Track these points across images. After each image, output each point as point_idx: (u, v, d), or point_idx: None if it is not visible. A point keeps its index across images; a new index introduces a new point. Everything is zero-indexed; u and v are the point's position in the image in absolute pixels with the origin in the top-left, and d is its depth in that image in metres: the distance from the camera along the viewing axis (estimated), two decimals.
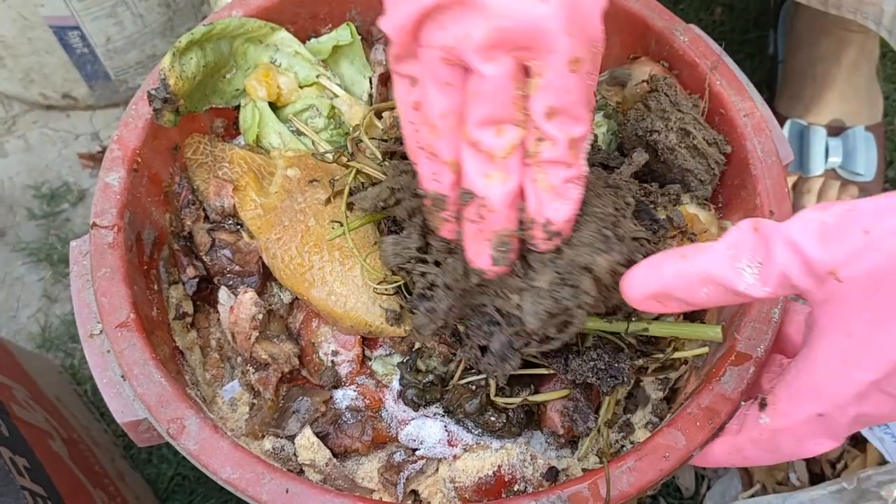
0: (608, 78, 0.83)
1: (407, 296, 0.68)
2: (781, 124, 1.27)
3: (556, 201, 0.54)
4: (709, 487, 1.11)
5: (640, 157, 0.72)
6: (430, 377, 0.70)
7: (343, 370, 0.72)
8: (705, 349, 0.67)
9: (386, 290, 0.69)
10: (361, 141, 0.72)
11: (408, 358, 0.72)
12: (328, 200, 0.74)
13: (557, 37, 0.48)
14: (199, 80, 0.73)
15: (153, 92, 0.70)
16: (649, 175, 0.76)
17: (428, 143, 0.55)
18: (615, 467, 0.60)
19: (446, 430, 0.70)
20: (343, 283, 0.71)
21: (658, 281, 0.53)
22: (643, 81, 0.78)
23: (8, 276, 1.41)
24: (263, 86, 0.79)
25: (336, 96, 0.81)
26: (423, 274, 0.63)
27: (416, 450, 0.69)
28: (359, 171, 0.72)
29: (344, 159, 0.72)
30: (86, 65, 1.42)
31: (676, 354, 0.68)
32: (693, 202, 0.74)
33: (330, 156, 0.72)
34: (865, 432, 0.99)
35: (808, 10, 1.27)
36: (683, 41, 0.79)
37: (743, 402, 0.62)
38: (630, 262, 0.57)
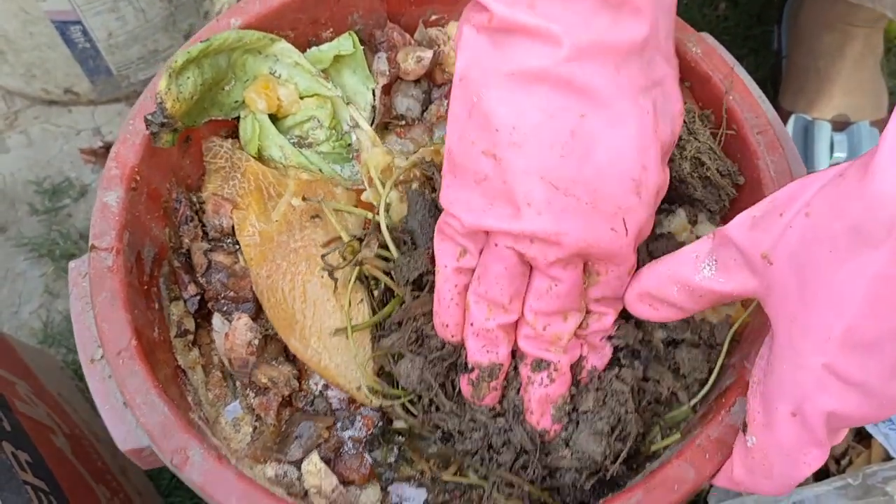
0: None
1: (411, 411, 0.68)
2: (785, 119, 1.25)
3: (600, 355, 0.64)
4: (712, 485, 1.11)
5: None
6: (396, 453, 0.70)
7: (334, 403, 0.71)
8: (677, 436, 0.67)
9: (382, 405, 0.68)
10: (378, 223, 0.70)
11: (372, 432, 0.70)
12: (327, 244, 0.72)
13: (628, 255, 0.58)
14: (196, 99, 0.71)
15: (150, 117, 0.69)
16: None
17: (483, 321, 0.61)
18: (623, 500, 0.59)
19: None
20: (320, 339, 0.69)
21: (638, 283, 0.60)
22: None
23: (10, 272, 1.40)
24: (263, 98, 0.77)
25: (357, 126, 0.79)
26: (438, 409, 0.65)
27: None
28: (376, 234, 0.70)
29: (355, 248, 0.70)
30: (87, 60, 1.41)
31: (654, 447, 0.67)
32: (706, 221, 0.72)
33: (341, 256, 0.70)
34: (870, 428, 0.98)
35: (812, 5, 1.25)
36: (696, 53, 0.77)
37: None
38: None
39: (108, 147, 1.52)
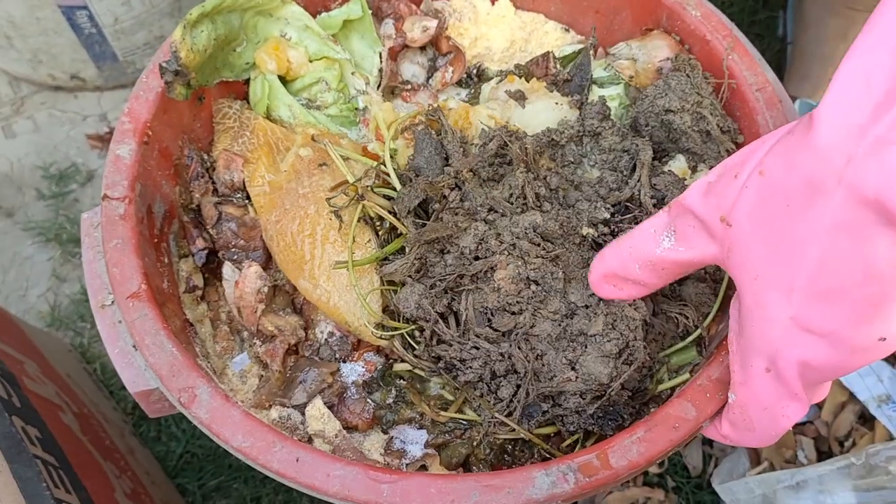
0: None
1: (412, 344, 0.69)
2: None
3: None
4: (716, 466, 1.11)
5: (646, 156, 0.71)
6: (394, 395, 0.71)
7: (338, 350, 0.72)
8: (686, 376, 0.67)
9: (382, 336, 0.68)
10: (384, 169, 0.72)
11: (375, 374, 0.71)
12: (334, 188, 0.73)
13: None
14: (209, 54, 0.73)
15: (164, 65, 0.70)
16: (660, 153, 0.76)
17: None
18: (624, 437, 0.60)
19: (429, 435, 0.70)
20: (330, 278, 0.70)
21: (602, 264, 0.61)
22: (666, 59, 0.78)
23: (17, 256, 1.42)
24: (273, 59, 0.78)
25: (365, 93, 0.80)
26: (440, 340, 0.66)
27: (404, 450, 0.69)
28: (378, 175, 0.71)
29: (362, 186, 0.71)
30: (94, 45, 1.42)
31: (661, 387, 0.68)
32: (706, 170, 0.73)
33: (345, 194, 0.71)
34: (873, 409, 0.99)
35: None
36: (695, 16, 0.79)
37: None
38: None
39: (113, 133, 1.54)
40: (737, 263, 0.52)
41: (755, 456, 1.00)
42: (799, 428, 1.02)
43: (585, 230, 0.68)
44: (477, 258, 0.66)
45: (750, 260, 0.51)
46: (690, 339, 0.67)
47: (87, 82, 1.51)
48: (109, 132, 1.51)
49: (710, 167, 0.74)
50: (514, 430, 0.65)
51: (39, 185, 1.48)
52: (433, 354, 0.66)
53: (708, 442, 1.14)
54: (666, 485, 1.13)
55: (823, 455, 1.01)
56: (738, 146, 0.75)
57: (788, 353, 0.51)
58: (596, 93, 0.80)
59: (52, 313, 1.36)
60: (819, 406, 1.02)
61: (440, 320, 0.65)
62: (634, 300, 0.64)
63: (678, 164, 0.73)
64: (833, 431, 0.99)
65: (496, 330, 0.64)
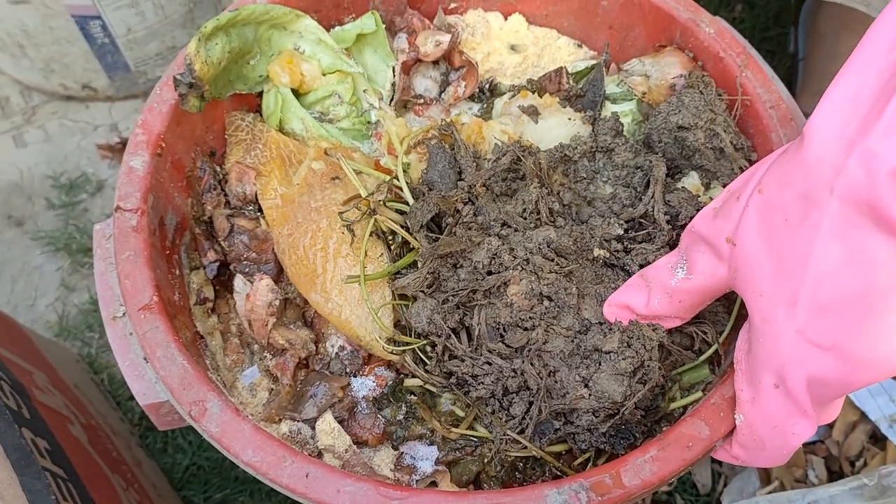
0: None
1: (424, 359, 0.68)
2: None
3: None
4: (725, 485, 1.10)
5: (659, 172, 0.71)
6: (405, 411, 0.70)
7: (348, 364, 0.72)
8: (699, 394, 0.67)
9: (393, 350, 0.68)
10: (398, 182, 0.71)
11: (385, 389, 0.71)
12: (346, 202, 0.73)
13: None
14: (223, 66, 0.73)
15: (179, 77, 0.70)
16: (673, 169, 0.76)
17: None
18: (637, 456, 0.60)
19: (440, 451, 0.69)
20: (341, 292, 0.70)
21: (618, 297, 0.64)
22: (680, 76, 0.78)
23: (26, 266, 1.42)
24: (287, 72, 0.79)
25: (379, 108, 0.81)
26: (452, 356, 0.66)
27: (415, 466, 0.69)
28: (391, 188, 0.72)
29: (374, 200, 0.71)
30: (106, 55, 1.43)
31: (673, 405, 0.67)
32: (720, 188, 0.73)
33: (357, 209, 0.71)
34: (885, 429, 0.99)
35: (830, 7, 1.26)
36: (709, 33, 0.79)
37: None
38: None
39: (124, 143, 1.54)
40: (743, 281, 0.54)
41: (765, 475, 1.00)
42: (809, 447, 1.01)
43: (597, 251, 0.68)
44: (490, 273, 0.65)
45: (755, 277, 0.52)
46: (706, 356, 0.67)
47: (98, 92, 1.51)
48: (120, 142, 1.51)
49: (724, 185, 0.74)
50: (525, 447, 0.64)
51: (49, 194, 1.48)
52: (445, 370, 0.66)
53: (717, 460, 1.14)
54: (675, 503, 1.13)
55: (834, 475, 1.01)
56: (752, 163, 0.75)
57: (796, 367, 0.51)
58: (609, 109, 0.80)
59: (60, 323, 1.36)
60: (830, 425, 1.01)
61: (452, 335, 0.65)
62: (654, 324, 0.64)
63: (691, 181, 0.73)
64: (844, 451, 0.98)
65: (509, 346, 0.64)
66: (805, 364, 0.50)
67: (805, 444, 1.01)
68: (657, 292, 0.61)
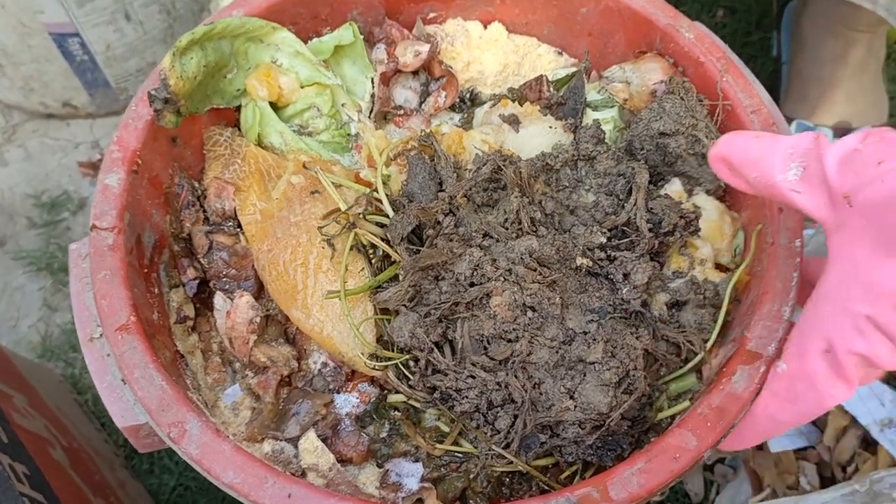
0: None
1: (407, 374, 0.67)
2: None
3: None
4: (718, 493, 1.10)
5: (641, 179, 0.71)
6: (388, 428, 0.69)
7: (331, 381, 0.71)
8: (686, 404, 0.66)
9: (376, 366, 0.67)
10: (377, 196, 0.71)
11: (369, 406, 0.70)
12: (326, 216, 0.72)
13: None
14: (199, 81, 0.72)
15: (153, 92, 0.69)
16: (656, 176, 0.75)
17: None
18: (624, 469, 0.59)
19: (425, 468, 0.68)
20: (323, 308, 0.69)
21: (727, 148, 0.58)
22: (660, 82, 0.77)
23: (8, 286, 1.40)
24: (264, 85, 0.78)
25: (358, 121, 0.80)
26: (436, 370, 0.65)
27: (400, 484, 0.68)
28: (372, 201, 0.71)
29: (354, 214, 0.70)
30: (86, 72, 1.42)
31: (661, 415, 0.67)
32: (703, 194, 0.73)
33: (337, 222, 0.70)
34: (875, 434, 0.98)
35: (814, 11, 1.27)
36: (688, 38, 0.78)
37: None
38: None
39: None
40: (840, 242, 0.52)
41: (757, 482, 0.99)
42: (801, 453, 1.01)
43: (580, 260, 0.67)
44: (472, 284, 0.65)
45: (855, 247, 0.51)
46: (693, 363, 0.66)
47: (79, 109, 1.50)
48: (101, 160, 1.50)
49: (707, 190, 0.73)
50: (511, 462, 0.63)
51: (31, 213, 1.46)
52: (428, 385, 0.65)
53: (709, 468, 1.13)
54: None
55: (826, 480, 1.00)
56: None
57: (853, 343, 0.51)
58: (590, 116, 0.79)
59: (43, 343, 1.35)
60: (822, 430, 1.01)
61: (435, 349, 0.64)
62: (638, 332, 0.63)
63: (674, 188, 0.73)
64: (836, 457, 0.98)
65: (492, 358, 0.63)
66: (863, 344, 0.51)
67: (796, 451, 1.00)
68: (758, 170, 0.55)
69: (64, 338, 1.35)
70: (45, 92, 1.45)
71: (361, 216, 0.68)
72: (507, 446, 0.63)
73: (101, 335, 0.67)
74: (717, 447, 0.61)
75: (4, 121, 1.55)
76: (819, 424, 1.01)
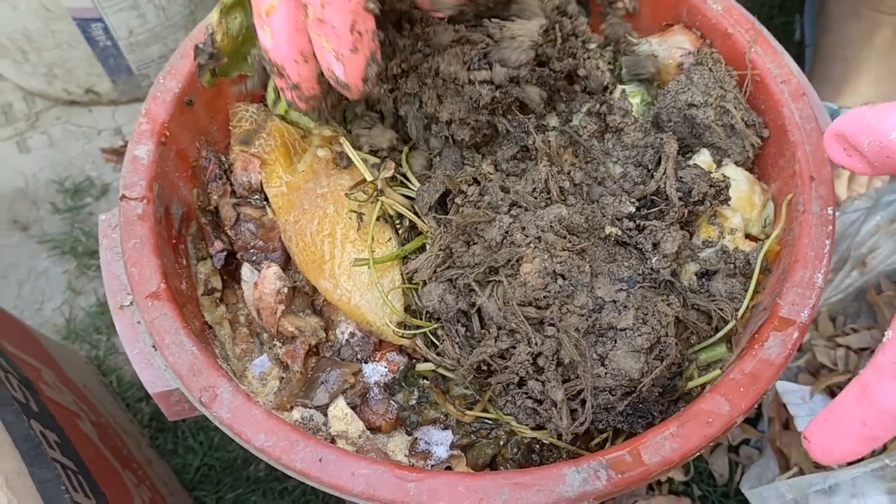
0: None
1: (435, 341, 0.67)
2: None
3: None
4: (743, 474, 1.09)
5: (670, 149, 0.70)
6: (417, 395, 0.69)
7: (359, 350, 0.71)
8: (717, 372, 0.65)
9: (404, 334, 0.67)
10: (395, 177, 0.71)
11: (397, 375, 0.70)
12: (353, 187, 0.72)
13: None
14: (240, 41, 0.72)
15: (201, 46, 0.70)
16: (683, 148, 0.75)
17: None
18: (657, 433, 0.58)
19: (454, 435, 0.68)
20: (350, 278, 0.69)
21: (843, 121, 0.54)
22: (688, 53, 0.77)
23: (32, 270, 1.41)
24: None
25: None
26: (471, 336, 0.64)
27: (429, 452, 0.68)
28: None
29: (382, 179, 0.70)
30: (108, 58, 1.42)
31: (690, 384, 0.66)
32: (732, 165, 0.72)
33: (364, 192, 0.71)
34: None
35: None
36: (716, 10, 0.78)
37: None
38: None
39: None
40: None
41: (784, 461, 0.98)
42: None
43: (609, 229, 0.66)
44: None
45: None
46: (724, 331, 0.66)
47: (101, 96, 1.51)
48: (125, 146, 1.51)
49: (736, 161, 0.73)
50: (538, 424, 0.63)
51: (54, 199, 1.47)
52: (466, 358, 0.64)
53: (734, 449, 1.12)
54: (692, 493, 1.11)
55: (853, 461, 0.99)
56: (763, 140, 0.74)
57: None
58: (618, 88, 0.79)
59: (67, 326, 1.36)
60: None
61: (464, 316, 0.63)
62: (669, 299, 0.63)
63: (703, 158, 0.72)
64: None
65: (539, 307, 0.62)
66: None
67: None
68: (870, 133, 0.52)
69: (88, 320, 1.36)
70: (68, 78, 1.46)
71: (389, 183, 0.68)
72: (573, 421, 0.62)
73: (131, 303, 0.67)
74: (816, 460, 0.56)
75: (28, 108, 1.57)
76: None
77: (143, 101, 0.75)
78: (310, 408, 0.67)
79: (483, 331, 0.64)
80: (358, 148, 0.73)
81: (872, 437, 0.51)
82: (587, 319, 0.63)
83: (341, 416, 0.66)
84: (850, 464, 0.94)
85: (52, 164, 1.51)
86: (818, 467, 0.95)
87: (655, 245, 0.67)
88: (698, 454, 0.60)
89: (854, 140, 0.53)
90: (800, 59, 1.39)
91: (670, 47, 0.79)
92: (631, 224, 0.67)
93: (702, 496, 1.11)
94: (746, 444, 1.11)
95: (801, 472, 0.96)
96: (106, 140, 1.53)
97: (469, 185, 0.67)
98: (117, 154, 1.51)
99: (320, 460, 0.58)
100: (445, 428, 0.68)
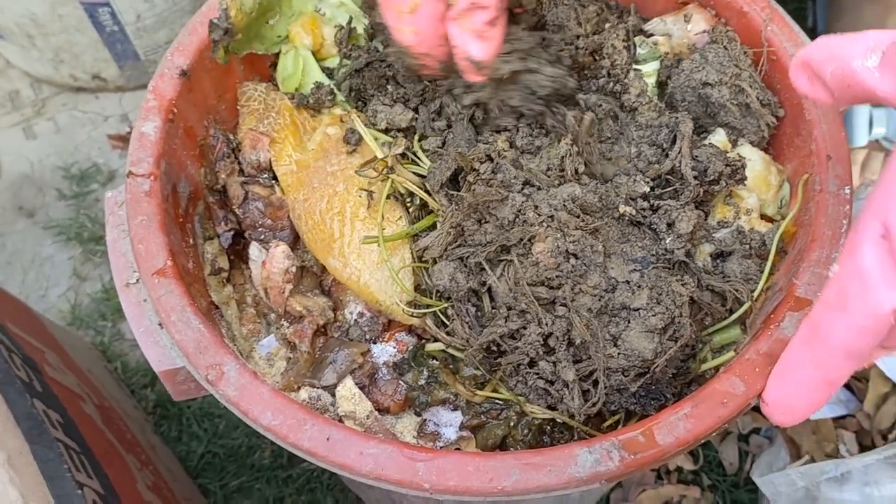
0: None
1: (444, 321, 0.66)
2: None
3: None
4: (752, 463, 1.08)
5: (686, 128, 0.69)
6: (427, 376, 0.68)
7: (368, 331, 0.70)
8: (731, 354, 0.64)
9: (414, 314, 0.66)
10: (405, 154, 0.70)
11: (406, 355, 0.69)
12: (364, 165, 0.72)
13: None
14: (253, 17, 0.72)
15: (216, 21, 0.69)
16: (698, 128, 0.74)
17: None
18: (671, 414, 0.57)
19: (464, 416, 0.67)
20: (360, 256, 0.68)
21: (806, 49, 0.54)
22: (703, 32, 0.76)
23: (37, 256, 1.41)
24: (310, 34, 0.77)
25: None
26: (481, 315, 0.64)
27: (438, 433, 0.67)
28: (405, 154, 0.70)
29: (393, 155, 0.69)
30: (115, 44, 1.42)
31: (704, 366, 0.65)
32: (748, 145, 0.71)
33: (374, 170, 0.70)
34: None
35: None
36: None
37: None
38: None
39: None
40: None
41: (795, 450, 0.97)
42: (839, 422, 0.99)
43: (623, 208, 0.65)
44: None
45: None
46: (738, 313, 0.65)
47: (108, 82, 1.50)
48: (131, 132, 1.50)
49: (751, 141, 0.72)
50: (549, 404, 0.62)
51: (60, 185, 1.47)
52: (480, 343, 0.63)
53: (744, 439, 1.11)
54: (701, 482, 1.10)
55: (865, 449, 0.98)
56: (779, 119, 0.73)
57: None
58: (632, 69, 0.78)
59: (72, 312, 1.35)
60: (860, 399, 0.99)
61: (477, 294, 0.62)
62: (683, 279, 0.62)
63: (719, 138, 0.71)
64: (876, 424, 0.96)
65: (551, 287, 0.61)
66: None
67: (835, 419, 0.98)
68: (835, 60, 0.51)
69: (93, 306, 1.35)
70: (74, 64, 1.46)
71: (399, 159, 0.67)
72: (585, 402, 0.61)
73: (137, 280, 0.66)
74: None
75: (34, 94, 1.56)
76: (858, 393, 0.99)
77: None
78: (317, 388, 0.66)
79: (493, 310, 0.63)
80: (370, 125, 0.72)
81: (829, 381, 0.52)
82: (600, 299, 0.62)
83: (349, 396, 0.65)
84: (861, 451, 0.93)
85: (58, 150, 1.50)
86: (829, 457, 0.94)
87: (670, 225, 0.65)
88: (707, 440, 0.59)
89: (819, 68, 0.53)
90: None
91: (685, 26, 0.78)
92: (645, 204, 0.66)
93: (711, 485, 1.10)
94: (756, 434, 1.10)
95: (813, 461, 0.95)
96: (112, 126, 1.53)
97: (482, 163, 0.66)
98: (124, 140, 1.50)
99: (328, 439, 0.57)
100: (455, 409, 0.67)
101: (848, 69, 0.50)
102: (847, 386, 1.01)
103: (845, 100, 0.52)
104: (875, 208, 0.47)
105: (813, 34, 1.37)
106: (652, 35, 0.79)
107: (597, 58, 0.75)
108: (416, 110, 0.73)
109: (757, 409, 0.59)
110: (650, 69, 0.77)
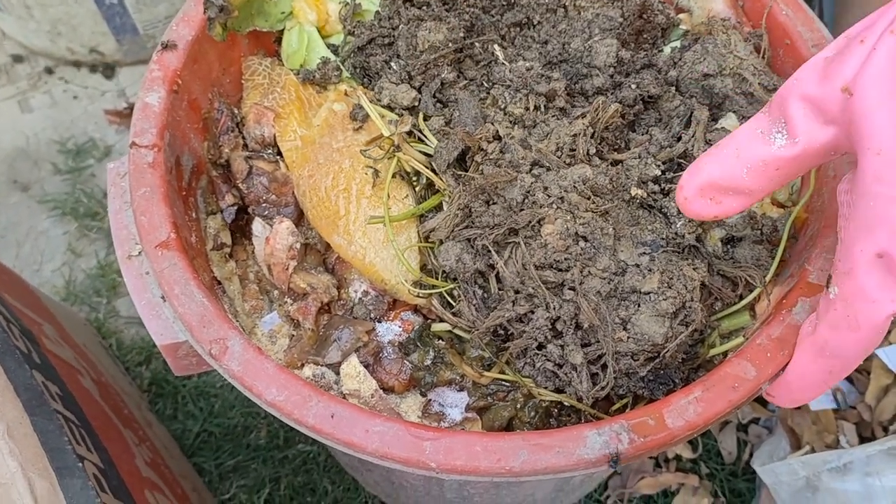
0: None
1: (451, 302, 0.65)
2: None
3: None
4: (751, 454, 1.08)
5: (702, 115, 0.68)
6: (432, 356, 0.67)
7: (373, 309, 0.69)
8: (740, 340, 0.63)
9: (420, 294, 0.65)
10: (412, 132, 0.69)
11: (412, 334, 0.68)
12: (370, 142, 0.70)
13: None
14: None
15: None
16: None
17: None
18: (681, 397, 0.57)
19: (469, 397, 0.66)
20: (365, 234, 0.67)
21: (698, 176, 0.53)
22: (717, 16, 0.75)
23: (32, 230, 1.39)
24: (314, 10, 0.76)
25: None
26: (487, 297, 0.63)
27: (443, 414, 0.66)
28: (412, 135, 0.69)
29: (399, 134, 0.68)
30: (114, 17, 1.40)
31: (713, 351, 0.64)
32: None
33: (380, 148, 0.69)
34: None
35: None
36: None
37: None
38: None
39: (132, 108, 1.51)
40: (858, 136, 0.46)
41: (795, 441, 0.97)
42: (840, 413, 0.99)
43: (634, 190, 0.64)
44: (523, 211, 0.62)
45: (874, 132, 0.45)
46: (749, 298, 0.64)
47: (106, 56, 1.48)
48: (128, 108, 1.48)
49: None
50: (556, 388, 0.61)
51: (56, 159, 1.45)
52: (487, 326, 0.62)
53: (743, 428, 1.11)
54: (699, 471, 1.10)
55: (866, 441, 0.98)
56: None
57: None
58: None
59: (67, 288, 1.34)
60: (861, 391, 0.99)
61: (484, 276, 0.62)
62: (694, 263, 0.61)
63: (730, 122, 0.70)
64: (877, 416, 0.95)
65: (559, 270, 0.60)
66: None
67: (836, 410, 0.98)
68: (746, 163, 0.51)
69: (88, 282, 1.34)
70: (72, 36, 1.44)
71: (405, 138, 0.66)
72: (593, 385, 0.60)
73: (139, 252, 0.65)
74: (774, 401, 0.58)
75: (30, 68, 1.54)
76: (859, 385, 0.99)
77: (148, 63, 0.72)
78: (321, 366, 0.65)
79: (500, 293, 0.62)
80: (376, 102, 0.71)
81: (834, 381, 0.55)
82: (609, 283, 0.61)
83: (354, 374, 0.64)
84: (862, 442, 0.93)
85: (54, 124, 1.48)
86: (829, 448, 0.94)
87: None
88: (723, 418, 0.58)
89: (730, 181, 0.52)
90: None
91: (704, 4, 0.77)
92: (656, 187, 0.65)
93: (709, 474, 1.10)
94: (756, 423, 1.09)
95: (813, 451, 0.94)
96: (109, 101, 1.51)
97: (489, 143, 0.65)
98: (121, 116, 1.48)
99: (333, 416, 0.56)
100: (461, 389, 0.66)
101: (769, 159, 0.50)
102: (848, 378, 1.01)
103: (778, 184, 0.52)
104: (866, 230, 0.47)
105: None
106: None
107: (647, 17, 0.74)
108: (419, 90, 0.72)
109: (757, 398, 0.59)
110: (676, 44, 0.76)
